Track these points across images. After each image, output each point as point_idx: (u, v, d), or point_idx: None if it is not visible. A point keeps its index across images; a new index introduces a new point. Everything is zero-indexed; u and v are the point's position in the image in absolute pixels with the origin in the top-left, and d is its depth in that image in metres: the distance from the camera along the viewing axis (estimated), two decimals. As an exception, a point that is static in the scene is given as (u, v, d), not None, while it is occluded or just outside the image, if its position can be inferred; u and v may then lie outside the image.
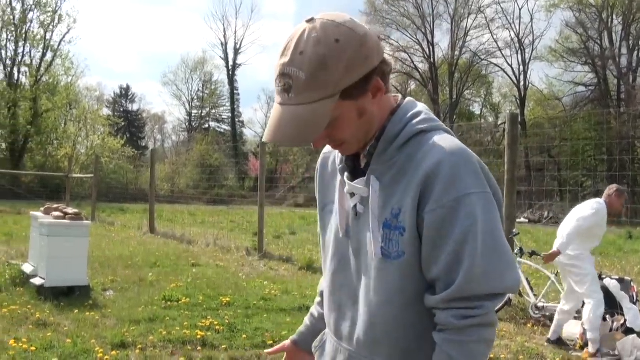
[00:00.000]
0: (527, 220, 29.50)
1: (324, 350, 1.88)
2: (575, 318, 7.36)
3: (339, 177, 1.74)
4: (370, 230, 1.59)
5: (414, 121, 1.61)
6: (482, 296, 1.50)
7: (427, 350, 1.58)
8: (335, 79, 1.46)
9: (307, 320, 2.10)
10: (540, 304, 7.95)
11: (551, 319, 7.89)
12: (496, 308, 1.58)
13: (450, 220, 1.48)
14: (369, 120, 1.58)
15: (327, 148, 1.87)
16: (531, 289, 8.17)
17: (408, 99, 1.70)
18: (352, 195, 1.67)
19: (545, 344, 7.01)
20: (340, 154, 1.74)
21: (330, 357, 1.81)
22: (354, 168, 1.70)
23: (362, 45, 1.49)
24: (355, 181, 1.65)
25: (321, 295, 2.05)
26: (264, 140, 1.53)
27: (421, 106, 1.68)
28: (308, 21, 1.52)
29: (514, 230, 8.42)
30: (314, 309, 2.09)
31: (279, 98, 1.52)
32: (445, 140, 1.56)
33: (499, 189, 1.60)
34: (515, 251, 8.43)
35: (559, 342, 7.03)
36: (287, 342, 2.09)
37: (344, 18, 1.51)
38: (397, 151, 1.59)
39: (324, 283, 1.93)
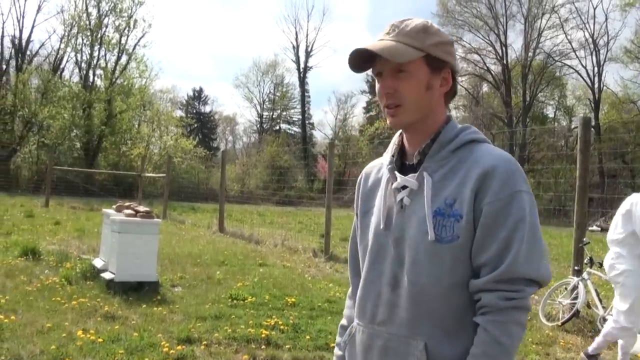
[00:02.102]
0: (599, 229, 28.62)
1: (354, 342, 1.99)
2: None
3: (382, 183, 1.96)
4: (426, 217, 1.77)
5: (467, 131, 1.88)
6: (523, 280, 1.70)
7: (465, 334, 1.75)
8: (427, 43, 1.81)
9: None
10: (608, 317, 7.65)
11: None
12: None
13: (505, 211, 1.71)
14: (429, 99, 1.84)
15: (369, 165, 2.14)
16: (600, 300, 7.85)
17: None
18: (399, 190, 1.87)
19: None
20: (384, 163, 1.98)
21: (364, 345, 1.92)
22: (400, 168, 1.92)
23: (451, 44, 1.88)
24: (407, 175, 1.86)
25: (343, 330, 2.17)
26: (356, 47, 1.82)
27: (469, 125, 1.95)
28: None
29: (584, 239, 8.14)
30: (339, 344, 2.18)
31: (379, 37, 1.86)
32: (498, 150, 1.82)
33: None
34: (585, 261, 8.16)
35: None
36: None
37: None
38: (451, 153, 1.83)
39: (354, 279, 2.13)
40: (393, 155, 1.95)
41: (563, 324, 7.69)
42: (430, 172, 1.81)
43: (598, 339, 6.57)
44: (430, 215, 1.76)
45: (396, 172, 1.89)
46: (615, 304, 6.47)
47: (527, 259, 1.69)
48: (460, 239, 1.73)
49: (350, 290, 2.18)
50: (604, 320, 7.57)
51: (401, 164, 1.93)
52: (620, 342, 6.48)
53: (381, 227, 1.89)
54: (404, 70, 1.80)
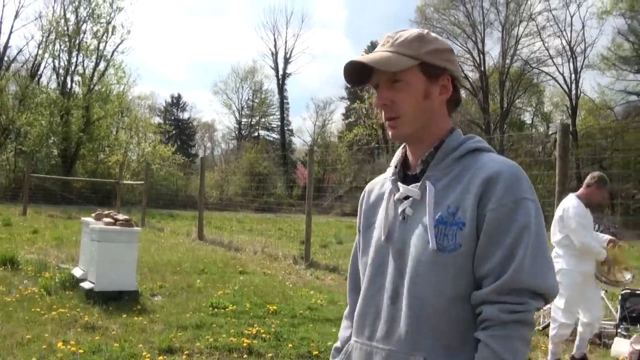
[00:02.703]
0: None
1: None
2: (624, 336, 7.16)
3: (385, 196, 1.92)
4: (427, 226, 1.72)
5: (471, 140, 1.84)
6: (528, 292, 1.63)
7: (468, 349, 1.67)
8: (423, 51, 1.79)
9: None
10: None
11: (599, 336, 7.71)
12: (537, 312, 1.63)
13: (509, 218, 1.65)
14: (429, 109, 1.82)
15: (372, 182, 2.10)
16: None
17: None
18: (402, 201, 1.83)
19: None
20: (387, 176, 1.96)
21: None
22: (403, 180, 1.88)
23: (450, 52, 1.85)
24: (410, 185, 1.82)
25: (337, 352, 2.10)
26: (349, 60, 1.82)
27: (473, 135, 1.90)
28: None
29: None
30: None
31: (375, 50, 1.85)
32: (502, 158, 1.77)
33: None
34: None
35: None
36: None
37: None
38: (455, 162, 1.79)
39: (350, 300, 2.11)
40: (396, 167, 1.92)
41: (544, 328, 7.74)
42: (433, 181, 1.77)
43: (550, 347, 6.77)
44: (432, 224, 1.71)
45: (399, 183, 1.86)
46: (555, 301, 6.69)
47: (532, 269, 1.62)
48: (463, 247, 1.68)
49: (347, 310, 2.12)
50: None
51: (404, 175, 1.89)
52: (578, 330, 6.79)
53: (382, 239, 1.85)
54: (400, 80, 1.79)
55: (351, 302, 2.09)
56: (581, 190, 6.73)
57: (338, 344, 2.10)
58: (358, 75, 1.85)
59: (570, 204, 6.58)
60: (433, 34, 1.84)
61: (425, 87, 1.80)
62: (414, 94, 1.79)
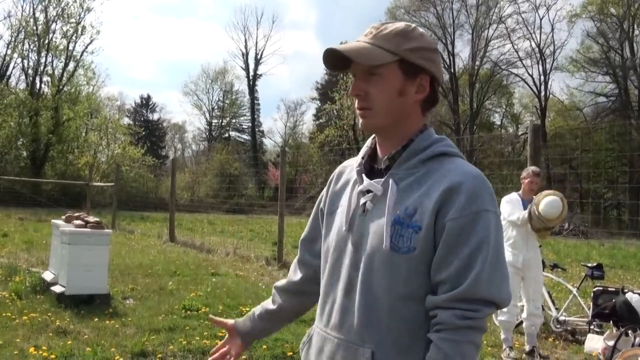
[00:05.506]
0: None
1: (310, 344, 1.99)
2: (597, 333, 7.26)
3: (351, 183, 1.94)
4: (384, 224, 1.74)
5: (440, 143, 1.82)
6: (483, 301, 1.65)
7: (418, 348, 1.70)
8: (403, 47, 1.77)
9: (254, 311, 2.28)
10: (561, 318, 7.85)
11: (573, 333, 7.82)
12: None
13: (469, 229, 1.66)
14: (402, 106, 1.81)
15: (343, 164, 2.10)
16: (553, 302, 8.05)
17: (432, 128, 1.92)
18: (364, 194, 1.84)
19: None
20: (354, 165, 1.95)
21: (317, 348, 1.91)
22: (369, 172, 1.88)
23: (433, 52, 1.84)
24: (374, 180, 1.83)
25: (278, 291, 2.24)
26: (327, 48, 1.79)
27: (444, 137, 1.89)
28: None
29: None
30: (262, 306, 2.27)
31: (357, 39, 1.85)
32: (468, 166, 1.77)
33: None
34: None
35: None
36: (230, 321, 2.33)
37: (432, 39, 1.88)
38: (420, 163, 1.78)
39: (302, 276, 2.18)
40: (363, 157, 1.92)
41: (517, 326, 7.82)
42: (396, 179, 1.77)
43: (501, 335, 7.17)
44: (389, 223, 1.72)
45: (363, 175, 1.87)
46: None
47: (488, 281, 1.64)
48: (417, 250, 1.69)
49: (298, 255, 2.22)
50: (558, 321, 7.78)
51: (370, 167, 1.89)
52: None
53: (344, 229, 1.87)
54: (376, 73, 1.78)
55: (302, 248, 2.20)
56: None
57: (281, 282, 2.26)
58: (337, 61, 1.84)
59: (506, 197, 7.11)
60: (420, 30, 1.83)
61: (401, 84, 1.79)
62: (389, 89, 1.78)
